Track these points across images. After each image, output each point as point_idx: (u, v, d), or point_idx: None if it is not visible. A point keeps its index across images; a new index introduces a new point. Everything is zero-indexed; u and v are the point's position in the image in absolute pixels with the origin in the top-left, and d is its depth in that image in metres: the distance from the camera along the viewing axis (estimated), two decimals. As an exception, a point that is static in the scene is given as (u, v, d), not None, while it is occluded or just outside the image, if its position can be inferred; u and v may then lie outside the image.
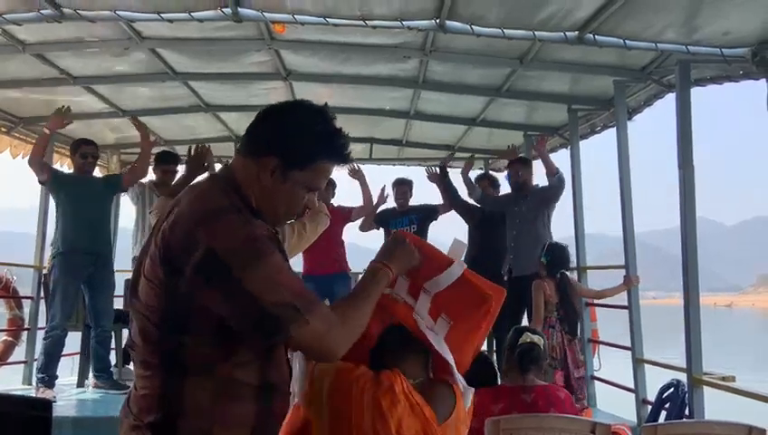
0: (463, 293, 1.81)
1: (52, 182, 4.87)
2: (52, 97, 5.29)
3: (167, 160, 5.44)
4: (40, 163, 4.86)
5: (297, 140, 1.48)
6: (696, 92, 3.96)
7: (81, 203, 4.83)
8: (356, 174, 5.81)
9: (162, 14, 3.53)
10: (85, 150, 4.94)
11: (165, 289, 1.41)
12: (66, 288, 4.80)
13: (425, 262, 1.77)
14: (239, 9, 3.49)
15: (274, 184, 1.48)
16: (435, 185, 5.91)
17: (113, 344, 5.33)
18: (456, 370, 1.75)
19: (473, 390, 1.79)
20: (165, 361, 1.44)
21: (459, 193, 5.86)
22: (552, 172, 5.22)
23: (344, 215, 5.71)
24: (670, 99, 4.43)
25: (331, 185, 5.67)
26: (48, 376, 4.70)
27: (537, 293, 4.55)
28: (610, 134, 5.41)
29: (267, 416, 1.49)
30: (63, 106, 4.83)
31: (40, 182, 4.95)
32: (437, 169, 5.92)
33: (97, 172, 5.58)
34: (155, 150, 5.56)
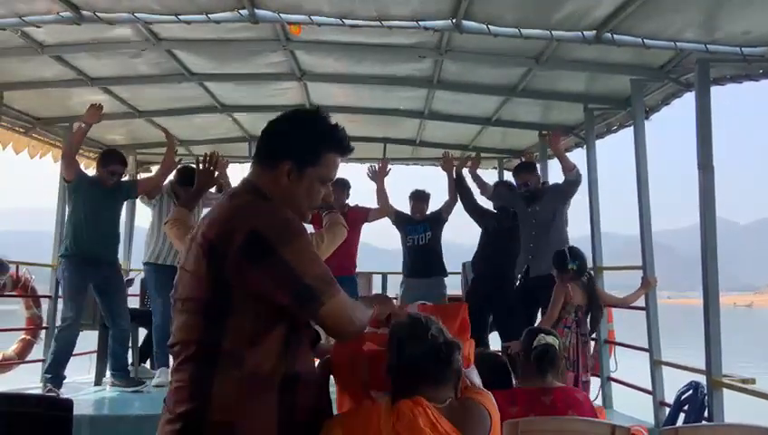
0: (439, 308, 2.09)
1: (76, 183, 4.92)
2: (70, 98, 5.35)
3: (189, 182, 5.39)
4: (73, 160, 4.93)
5: (303, 141, 1.67)
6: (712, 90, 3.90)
7: (95, 210, 4.88)
8: (375, 175, 5.82)
9: (179, 16, 3.56)
10: (115, 169, 4.98)
11: (208, 279, 1.54)
12: (75, 288, 4.83)
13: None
14: (256, 10, 3.51)
15: (293, 184, 1.65)
16: (446, 174, 5.85)
17: (130, 343, 5.37)
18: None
19: (475, 370, 1.83)
20: (198, 352, 1.55)
21: (473, 196, 5.82)
22: (570, 168, 5.10)
23: (362, 215, 5.71)
24: (687, 98, 4.42)
25: (345, 186, 5.67)
26: (57, 376, 4.73)
27: (559, 293, 4.45)
28: (621, 133, 5.43)
29: (291, 408, 1.57)
30: (97, 103, 4.86)
31: (66, 180, 5.00)
32: (454, 172, 5.87)
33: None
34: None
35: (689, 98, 4.16)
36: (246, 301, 1.53)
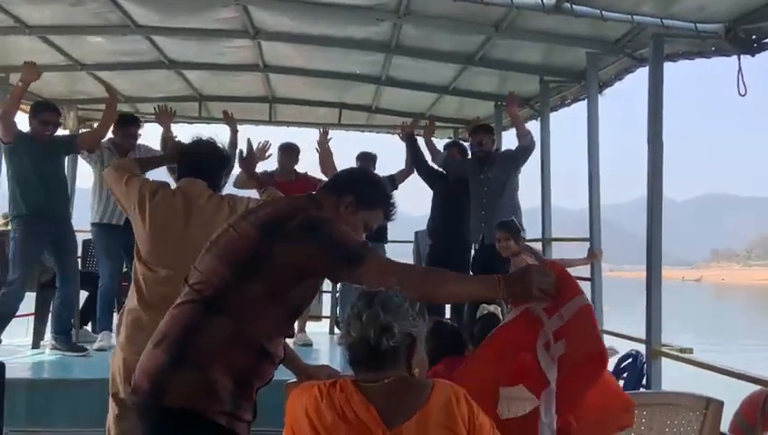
0: (588, 333, 1.87)
1: (16, 144, 4.65)
2: (5, 46, 5.03)
3: (129, 123, 5.23)
4: (11, 121, 4.63)
5: (370, 190, 2.10)
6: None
7: (40, 166, 4.65)
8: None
9: (124, -38, 3.34)
10: (47, 118, 4.72)
11: (255, 243, 1.85)
12: (29, 251, 4.64)
13: (561, 289, 1.83)
14: (207, -40, 3.33)
15: (347, 214, 2.02)
16: (405, 146, 5.83)
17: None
18: (553, 389, 1.77)
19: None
20: (210, 296, 1.83)
21: (426, 159, 5.80)
22: (524, 134, 5.12)
23: (311, 186, 5.54)
24: (639, 73, 4.48)
25: (294, 151, 5.61)
26: None
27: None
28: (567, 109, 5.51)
29: (253, 372, 1.85)
30: (30, 60, 4.58)
31: (3, 142, 4.72)
32: (404, 137, 5.84)
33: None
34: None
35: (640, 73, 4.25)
36: (272, 275, 1.82)
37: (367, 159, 5.87)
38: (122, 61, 5.51)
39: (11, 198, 4.74)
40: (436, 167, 5.80)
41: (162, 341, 1.84)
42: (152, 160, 3.33)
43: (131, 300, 2.72)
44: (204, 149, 2.86)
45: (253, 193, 3.49)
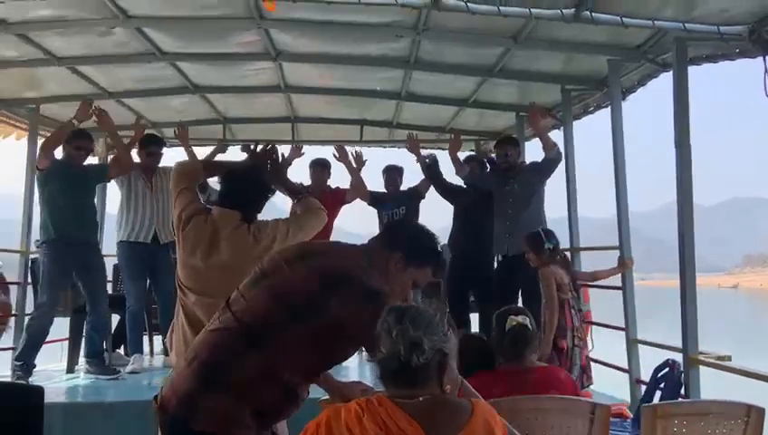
0: None
1: (49, 170, 4.81)
2: (36, 78, 5.17)
3: (151, 142, 5.36)
4: (52, 153, 4.84)
5: (419, 247, 2.14)
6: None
7: (71, 192, 4.82)
8: (342, 157, 5.73)
9: (149, -9, 3.43)
10: (80, 144, 4.91)
11: (309, 289, 1.90)
12: (56, 276, 4.76)
13: None
14: (229, -14, 3.40)
15: (397, 271, 2.07)
16: (414, 155, 5.84)
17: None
18: None
19: None
20: (251, 328, 1.87)
21: (445, 178, 5.77)
22: (551, 146, 5.06)
23: (339, 196, 5.65)
24: (663, 78, 4.44)
25: (326, 166, 5.65)
26: (27, 364, 4.65)
27: (549, 282, 4.30)
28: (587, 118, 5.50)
29: (276, 411, 1.92)
30: (90, 100, 4.88)
31: (39, 168, 4.88)
32: (421, 165, 5.81)
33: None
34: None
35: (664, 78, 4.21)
36: (318, 325, 1.86)
37: (392, 172, 5.90)
38: (148, 87, 5.64)
39: (41, 224, 4.89)
40: (453, 184, 5.78)
41: (193, 360, 1.87)
42: (218, 165, 3.35)
43: (177, 318, 2.81)
44: (248, 182, 2.87)
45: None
